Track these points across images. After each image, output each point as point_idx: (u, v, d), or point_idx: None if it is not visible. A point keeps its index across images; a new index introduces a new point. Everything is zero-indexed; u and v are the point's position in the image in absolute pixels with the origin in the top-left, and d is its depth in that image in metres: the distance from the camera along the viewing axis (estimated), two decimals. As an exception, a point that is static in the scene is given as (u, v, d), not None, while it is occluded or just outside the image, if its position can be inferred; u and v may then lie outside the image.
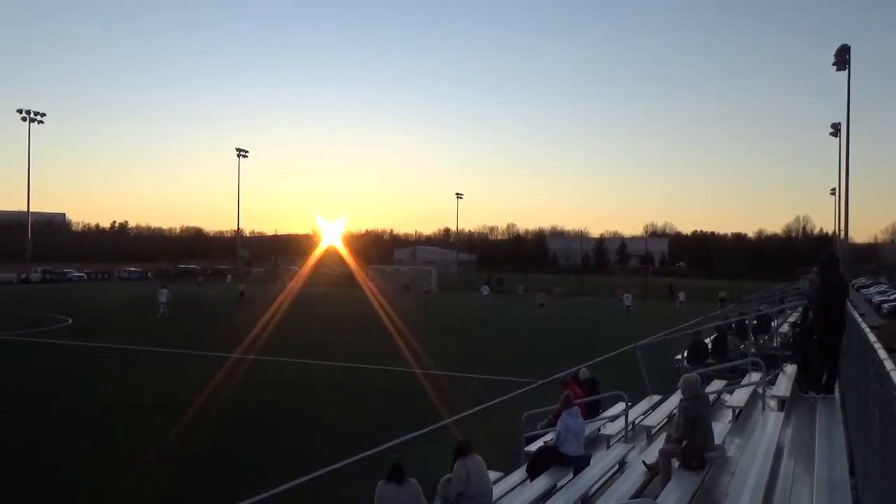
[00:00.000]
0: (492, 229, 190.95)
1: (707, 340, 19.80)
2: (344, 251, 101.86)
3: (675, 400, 13.03)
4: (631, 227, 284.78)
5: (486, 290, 67.64)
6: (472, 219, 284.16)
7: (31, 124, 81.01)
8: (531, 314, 49.88)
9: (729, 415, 11.92)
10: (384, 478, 8.07)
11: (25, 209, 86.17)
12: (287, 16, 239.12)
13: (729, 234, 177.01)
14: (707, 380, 13.94)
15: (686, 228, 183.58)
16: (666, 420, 12.49)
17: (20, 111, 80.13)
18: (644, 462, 9.32)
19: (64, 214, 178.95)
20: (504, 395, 20.37)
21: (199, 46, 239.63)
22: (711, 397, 11.82)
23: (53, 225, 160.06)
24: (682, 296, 61.55)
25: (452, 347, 31.19)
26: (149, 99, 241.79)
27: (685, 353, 18.69)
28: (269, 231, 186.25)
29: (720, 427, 10.30)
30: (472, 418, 17.55)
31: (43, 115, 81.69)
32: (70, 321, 38.86)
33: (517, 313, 51.47)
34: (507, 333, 38.83)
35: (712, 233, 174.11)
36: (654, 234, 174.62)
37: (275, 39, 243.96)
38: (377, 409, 18.97)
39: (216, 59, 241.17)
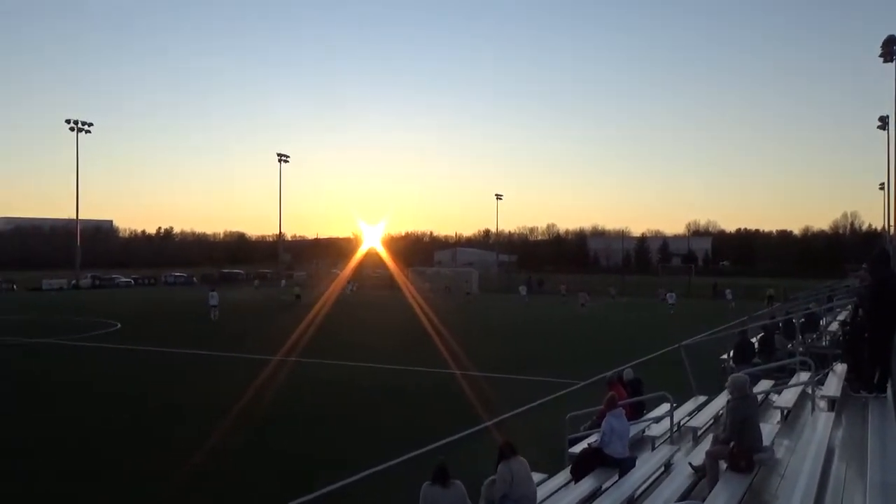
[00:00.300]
0: (532, 230, 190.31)
1: (753, 340, 19.46)
2: (384, 254, 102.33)
3: (721, 401, 12.84)
4: (673, 225, 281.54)
5: (524, 290, 67.39)
6: (512, 220, 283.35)
7: (79, 134, 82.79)
8: (573, 314, 49.57)
9: (777, 415, 11.70)
10: (429, 479, 8.09)
11: (74, 217, 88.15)
12: (327, 20, 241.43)
13: (774, 231, 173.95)
14: (754, 380, 13.69)
15: (730, 226, 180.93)
16: (712, 421, 12.31)
17: (68, 121, 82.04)
18: (690, 464, 9.20)
19: (111, 221, 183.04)
20: (547, 397, 20.29)
21: (240, 54, 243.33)
22: (759, 398, 11.62)
23: (101, 232, 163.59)
24: (729, 294, 60.62)
25: (494, 349, 31.14)
26: (192, 107, 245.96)
27: (731, 353, 18.39)
28: (310, 235, 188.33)
29: (768, 428, 10.11)
30: (514, 420, 17.50)
31: (90, 124, 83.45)
32: (118, 325, 39.68)
33: (559, 314, 51.21)
34: (549, 334, 38.66)
35: (757, 230, 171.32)
36: (697, 233, 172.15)
37: (315, 44, 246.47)
38: (421, 410, 19.03)
39: (257, 65, 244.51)
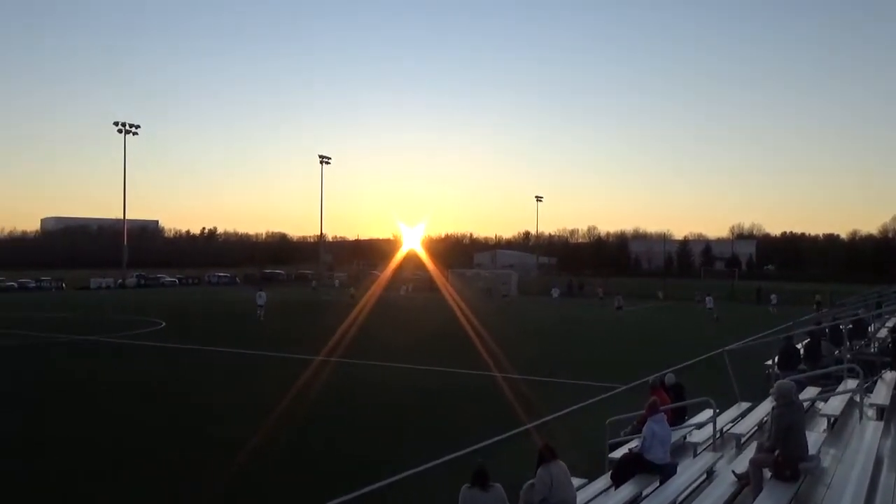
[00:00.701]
0: (572, 232, 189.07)
1: (799, 346, 19.09)
2: (424, 255, 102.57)
3: (765, 407, 12.63)
4: (716, 228, 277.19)
5: (556, 292, 67.09)
6: (553, 222, 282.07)
7: (127, 136, 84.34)
8: (611, 318, 49.18)
9: (823, 424, 11.47)
10: (468, 482, 8.09)
11: (122, 217, 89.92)
12: (369, 22, 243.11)
13: (820, 235, 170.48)
14: (800, 387, 13.43)
15: (775, 230, 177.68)
16: (756, 428, 12.11)
17: (116, 123, 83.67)
18: (734, 471, 9.06)
19: (157, 221, 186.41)
20: (586, 401, 20.14)
21: (282, 57, 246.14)
22: (805, 405, 11.40)
23: (147, 232, 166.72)
24: (774, 299, 59.61)
25: (533, 351, 31.00)
26: (235, 109, 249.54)
27: (776, 359, 18.05)
28: (351, 236, 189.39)
29: (814, 436, 9.92)
30: (554, 423, 17.42)
31: (137, 126, 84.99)
32: (163, 324, 40.40)
33: (595, 316, 50.83)
34: (588, 337, 38.41)
35: (803, 234, 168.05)
36: (741, 236, 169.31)
37: (357, 47, 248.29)
38: (460, 412, 19.04)
39: (299, 68, 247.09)
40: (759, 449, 8.91)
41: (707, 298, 55.87)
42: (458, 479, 8.63)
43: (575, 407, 19.33)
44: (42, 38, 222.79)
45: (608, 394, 21.22)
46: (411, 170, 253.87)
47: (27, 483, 12.67)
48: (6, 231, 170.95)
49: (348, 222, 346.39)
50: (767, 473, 8.21)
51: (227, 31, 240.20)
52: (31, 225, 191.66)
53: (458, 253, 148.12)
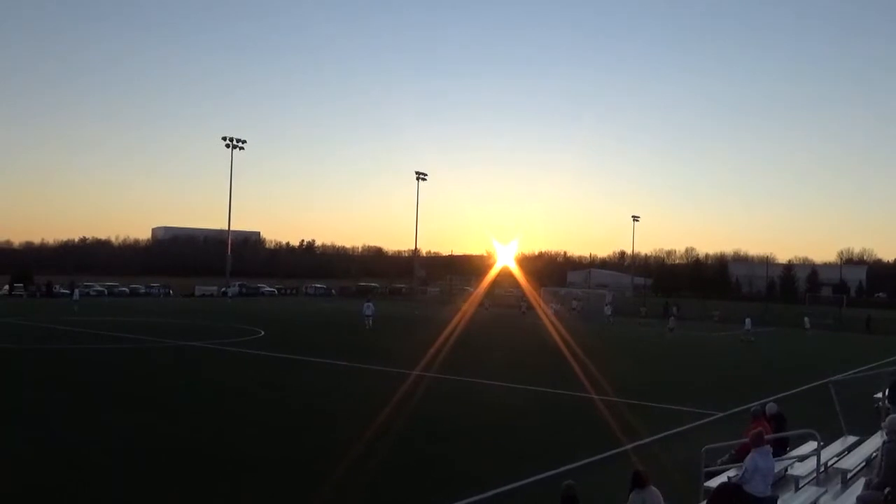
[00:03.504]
0: (669, 253, 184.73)
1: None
2: (517, 272, 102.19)
3: (874, 443, 12.07)
4: (823, 253, 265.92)
5: (609, 309, 65.79)
6: (649, 242, 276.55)
7: (234, 150, 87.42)
8: (730, 343, 47.73)
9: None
10: None
11: (226, 228, 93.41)
12: (471, 43, 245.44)
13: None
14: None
15: (887, 255, 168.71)
16: (864, 464, 11.59)
17: (224, 138, 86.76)
18: (838, 508, 8.72)
19: (259, 233, 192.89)
20: (681, 427, 19.61)
21: (381, 74, 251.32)
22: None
23: (249, 242, 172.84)
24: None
25: (630, 373, 30.41)
26: (336, 127, 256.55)
27: (886, 392, 17.18)
28: (444, 251, 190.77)
29: (927, 476, 9.42)
30: (648, 448, 17.02)
31: (244, 141, 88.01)
32: (262, 333, 41.73)
33: (704, 341, 49.47)
34: (682, 361, 37.44)
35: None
36: (850, 262, 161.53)
37: (453, 66, 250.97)
38: (554, 431, 18.89)
39: (398, 87, 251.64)
40: (868, 486, 8.55)
41: (805, 319, 53.95)
42: (548, 499, 8.61)
43: (670, 432, 18.85)
44: (155, 57, 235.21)
45: (704, 420, 20.59)
46: (507, 187, 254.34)
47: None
48: (119, 239, 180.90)
49: (443, 238, 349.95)
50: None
51: (328, 49, 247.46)
52: (143, 234, 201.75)
53: (551, 271, 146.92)
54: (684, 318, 67.48)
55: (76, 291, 65.62)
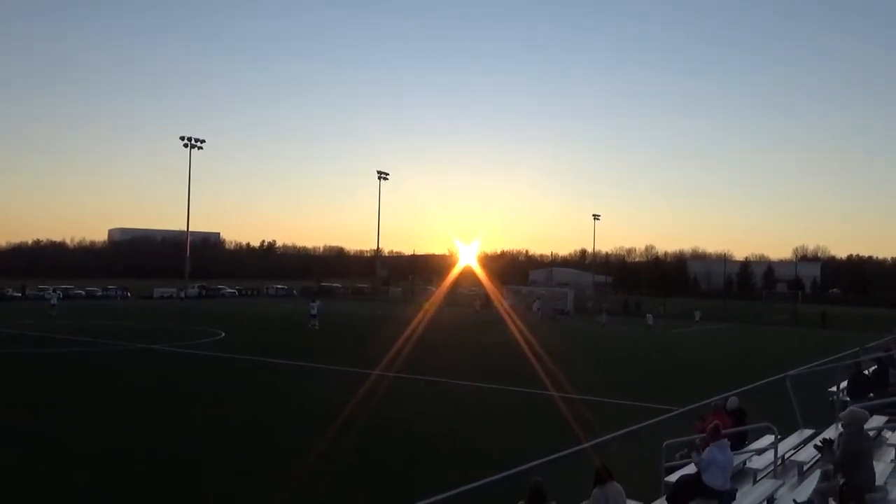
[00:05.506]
0: (629, 251, 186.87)
1: (866, 372, 18.49)
2: (479, 271, 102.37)
3: (829, 435, 12.28)
4: (779, 250, 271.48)
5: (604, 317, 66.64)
6: (610, 241, 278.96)
7: (192, 150, 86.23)
8: (662, 338, 48.34)
9: (891, 454, 11.12)
10: (524, 500, 8.07)
11: (185, 229, 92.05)
12: (427, 42, 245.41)
13: (889, 258, 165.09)
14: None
15: (841, 252, 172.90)
16: (818, 456, 11.77)
17: (182, 138, 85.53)
18: (795, 501, 8.86)
19: (219, 234, 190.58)
20: (642, 422, 19.81)
21: (342, 75, 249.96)
22: (871, 434, 11.05)
23: (209, 243, 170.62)
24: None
25: (587, 370, 30.65)
26: (296, 127, 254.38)
27: (845, 386, 17.49)
28: (407, 251, 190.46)
29: (881, 467, 9.64)
30: (610, 444, 17.15)
31: (202, 141, 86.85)
32: (222, 334, 41.19)
33: (646, 337, 50.08)
34: (639, 358, 37.87)
35: (870, 257, 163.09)
36: (805, 258, 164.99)
37: (416, 65, 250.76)
38: (514, 430, 18.92)
39: (359, 86, 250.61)
40: (824, 478, 8.69)
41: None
42: (513, 498, 8.60)
43: (630, 428, 19.02)
44: (109, 54, 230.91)
45: (664, 416, 20.85)
46: (468, 186, 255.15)
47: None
48: (75, 241, 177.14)
49: (405, 237, 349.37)
50: (832, 503, 8.00)
51: (289, 49, 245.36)
52: (99, 235, 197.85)
53: (513, 270, 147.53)
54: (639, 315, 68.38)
55: (55, 295, 59.27)
